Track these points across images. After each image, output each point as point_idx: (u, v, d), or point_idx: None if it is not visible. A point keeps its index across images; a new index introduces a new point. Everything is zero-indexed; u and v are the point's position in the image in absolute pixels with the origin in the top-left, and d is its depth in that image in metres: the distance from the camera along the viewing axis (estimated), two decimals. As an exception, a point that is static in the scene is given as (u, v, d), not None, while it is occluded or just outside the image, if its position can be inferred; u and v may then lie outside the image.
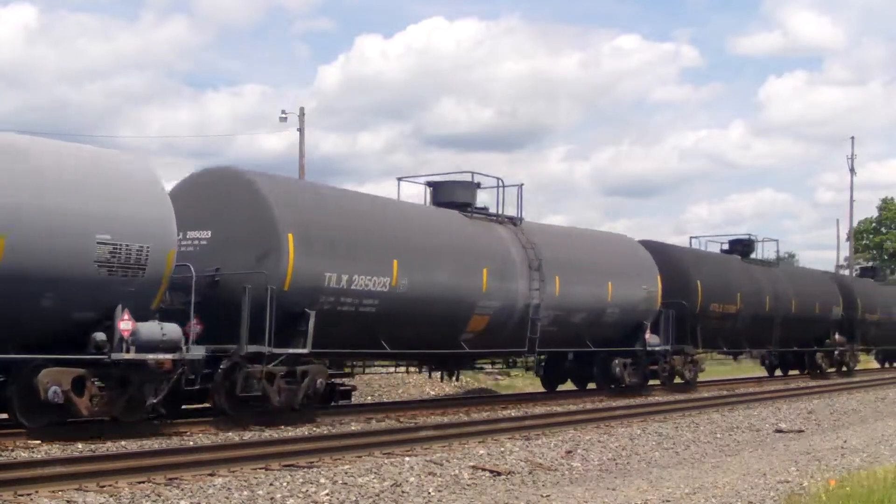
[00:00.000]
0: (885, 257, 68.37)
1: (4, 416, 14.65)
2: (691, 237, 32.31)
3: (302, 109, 43.50)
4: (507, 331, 19.29)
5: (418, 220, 18.32)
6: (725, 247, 31.05)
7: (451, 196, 19.93)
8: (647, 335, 22.93)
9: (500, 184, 20.39)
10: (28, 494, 8.93)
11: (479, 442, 13.85)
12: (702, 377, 27.22)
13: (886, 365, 44.46)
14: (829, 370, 34.54)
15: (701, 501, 9.90)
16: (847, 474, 11.46)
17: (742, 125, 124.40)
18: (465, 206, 19.72)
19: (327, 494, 9.69)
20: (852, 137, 64.96)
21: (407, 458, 11.92)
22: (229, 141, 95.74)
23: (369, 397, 23.01)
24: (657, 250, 25.18)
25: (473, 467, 11.63)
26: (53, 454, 11.33)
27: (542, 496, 10.10)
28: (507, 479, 11.25)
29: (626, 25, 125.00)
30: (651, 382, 24.33)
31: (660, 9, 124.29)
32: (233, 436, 13.75)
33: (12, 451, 11.56)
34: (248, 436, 13.82)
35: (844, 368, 35.58)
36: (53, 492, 9.10)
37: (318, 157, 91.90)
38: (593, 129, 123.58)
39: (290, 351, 14.89)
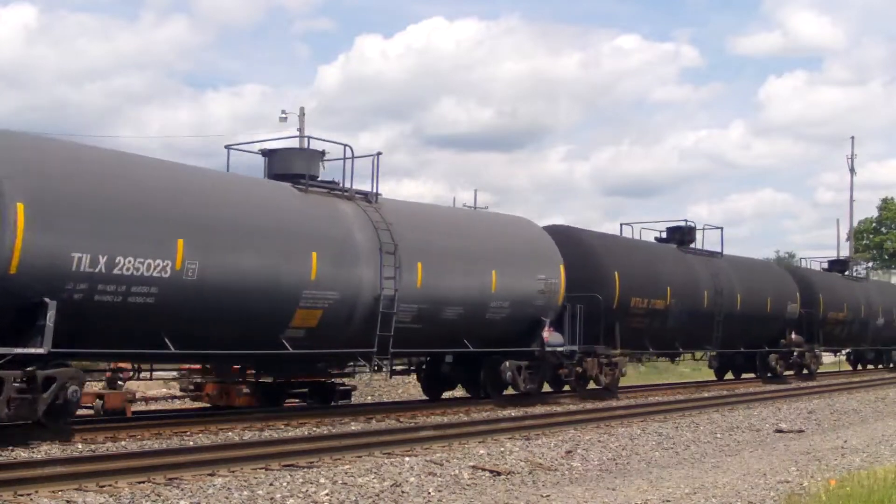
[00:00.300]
0: (886, 257, 68.39)
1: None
2: (622, 223, 27.26)
3: (302, 109, 43.62)
4: (353, 328, 15.96)
5: (220, 192, 14.87)
6: (664, 235, 27.36)
7: (288, 166, 16.67)
8: (547, 333, 19.74)
9: (349, 153, 16.97)
10: (28, 494, 8.93)
11: (479, 442, 13.84)
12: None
13: (859, 367, 41.58)
14: (787, 373, 31.33)
15: (701, 501, 9.90)
16: (847, 474, 11.47)
17: (742, 125, 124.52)
18: (304, 179, 16.28)
19: (327, 494, 9.69)
20: (852, 137, 65.00)
21: (407, 458, 11.92)
22: (229, 141, 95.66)
23: (369, 397, 23.02)
24: (564, 235, 22.11)
25: (473, 467, 11.62)
26: (53, 454, 11.33)
27: (542, 496, 10.10)
28: (507, 479, 11.25)
29: (626, 25, 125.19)
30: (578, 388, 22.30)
31: (660, 9, 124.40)
32: (233, 436, 13.75)
33: (12, 451, 11.55)
34: (247, 436, 13.82)
35: (805, 372, 32.27)
36: (53, 492, 9.10)
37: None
38: (593, 129, 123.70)
39: (19, 351, 11.85)
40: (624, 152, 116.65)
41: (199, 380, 18.09)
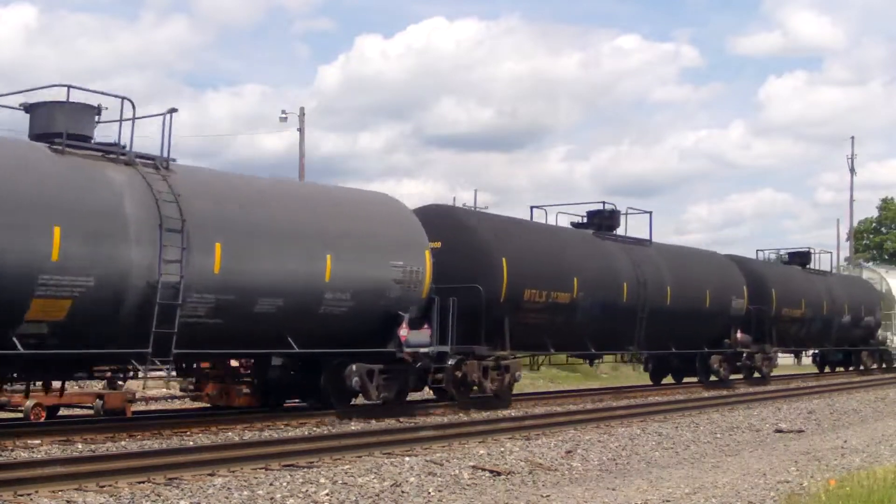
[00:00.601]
0: (886, 257, 68.37)
1: (3, 416, 14.70)
2: (532, 206, 23.50)
3: (302, 109, 43.63)
4: (122, 323, 12.94)
5: None
6: (584, 220, 24.05)
7: (50, 123, 13.43)
8: (405, 331, 16.43)
9: (131, 110, 13.87)
10: (28, 494, 8.93)
11: (479, 442, 13.85)
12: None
13: (827, 370, 38.03)
14: (735, 377, 27.96)
15: (701, 501, 9.90)
16: (847, 474, 11.47)
17: (742, 125, 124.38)
18: (63, 137, 13.04)
19: (327, 494, 9.69)
20: (852, 137, 64.97)
21: (407, 458, 11.92)
22: (229, 141, 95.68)
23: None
24: (442, 216, 19.31)
25: (473, 467, 11.62)
26: (53, 454, 11.33)
27: (542, 496, 10.10)
28: (507, 479, 11.25)
29: (626, 25, 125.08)
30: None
31: (660, 9, 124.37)
32: (233, 436, 13.75)
33: (12, 451, 11.56)
34: (248, 436, 13.82)
35: (757, 375, 28.85)
36: (53, 492, 9.10)
37: (319, 157, 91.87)
38: (593, 129, 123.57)
39: None
40: (624, 152, 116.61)
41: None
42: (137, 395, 18.66)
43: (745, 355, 27.66)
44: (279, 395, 17.34)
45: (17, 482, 9.12)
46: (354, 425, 15.50)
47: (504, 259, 18.95)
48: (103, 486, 9.48)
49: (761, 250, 34.70)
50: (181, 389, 19.32)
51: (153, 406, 19.73)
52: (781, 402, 22.94)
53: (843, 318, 34.41)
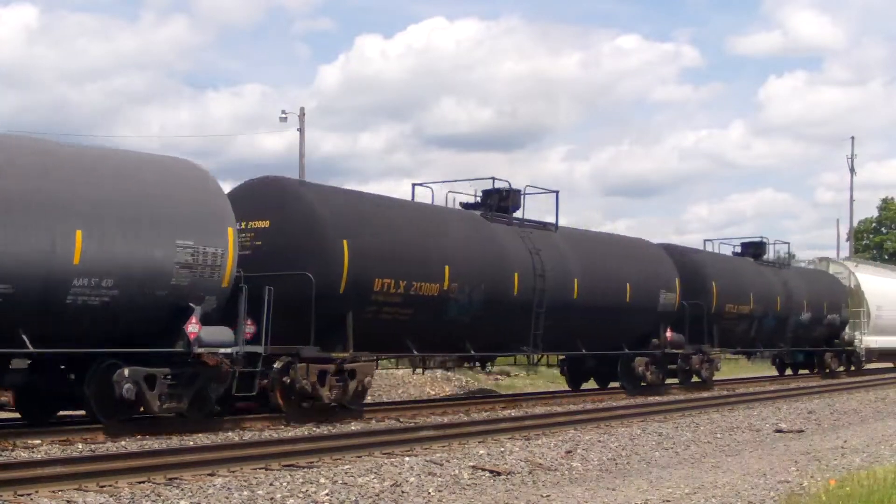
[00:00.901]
0: (886, 257, 68.40)
1: (3, 416, 14.70)
2: (414, 183, 20.91)
3: (302, 109, 43.64)
4: None
5: None
6: (478, 200, 20.81)
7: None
8: (195, 326, 13.40)
9: None
10: (28, 494, 8.93)
11: (479, 442, 13.85)
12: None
13: (788, 372, 34.79)
14: (670, 381, 24.93)
15: (701, 501, 9.91)
16: (847, 474, 11.47)
17: (742, 125, 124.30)
18: None
19: (327, 494, 9.69)
20: (852, 137, 64.99)
21: (407, 458, 11.93)
22: (229, 141, 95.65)
23: (369, 397, 23.01)
24: (271, 187, 16.33)
25: (473, 467, 11.63)
26: (53, 454, 11.33)
27: (542, 496, 10.11)
28: (507, 479, 11.25)
29: (626, 25, 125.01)
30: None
31: (660, 9, 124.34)
32: (233, 436, 13.76)
33: (12, 451, 11.56)
34: (248, 436, 13.82)
35: (696, 379, 25.50)
36: (53, 492, 9.10)
37: (319, 157, 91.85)
38: (593, 129, 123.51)
39: None
40: (624, 152, 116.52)
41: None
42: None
43: (679, 357, 24.48)
44: (44, 405, 14.00)
45: (17, 482, 9.12)
46: (354, 425, 15.51)
47: (345, 241, 15.69)
48: (103, 486, 9.48)
49: (710, 240, 30.38)
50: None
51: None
52: (781, 402, 22.94)
53: (802, 316, 31.21)
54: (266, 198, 16.08)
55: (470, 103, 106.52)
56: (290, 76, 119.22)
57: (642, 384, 23.56)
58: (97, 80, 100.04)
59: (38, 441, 12.19)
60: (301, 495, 9.58)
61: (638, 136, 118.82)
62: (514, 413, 18.30)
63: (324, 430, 14.85)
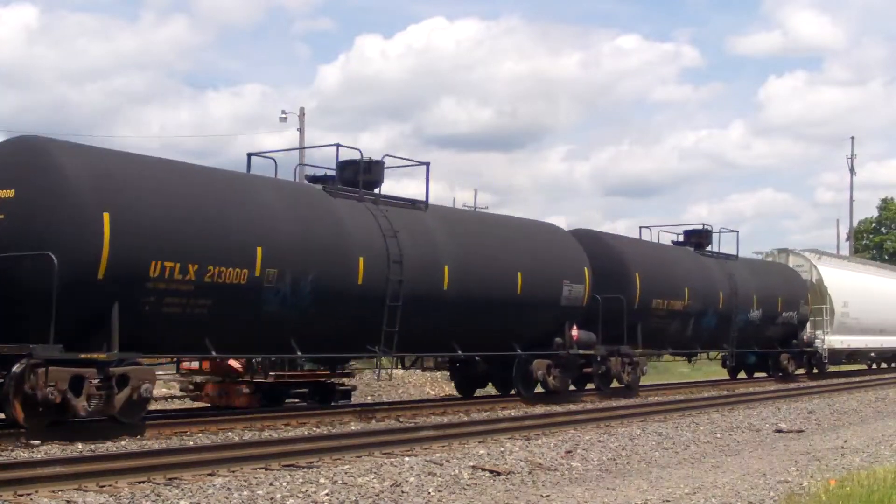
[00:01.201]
0: (886, 257, 68.41)
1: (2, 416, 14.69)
2: (250, 153, 17.54)
3: (302, 109, 43.71)
4: None
5: None
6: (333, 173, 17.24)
7: None
8: None
9: None
10: (28, 494, 8.93)
11: (479, 442, 13.85)
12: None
13: (742, 375, 31.65)
14: (588, 388, 22.50)
15: (701, 501, 9.91)
16: (847, 474, 11.47)
17: (742, 125, 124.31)
18: None
19: (327, 494, 9.69)
20: (852, 137, 65.02)
21: (407, 458, 11.93)
22: (229, 141, 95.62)
23: (369, 397, 23.04)
24: (17, 147, 13.27)
25: (473, 467, 11.63)
26: (53, 454, 11.33)
27: (542, 496, 10.11)
28: (507, 479, 11.25)
29: (626, 25, 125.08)
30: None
31: (660, 9, 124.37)
32: (233, 436, 13.76)
33: (12, 451, 11.56)
34: (247, 436, 13.83)
35: (618, 384, 22.59)
36: (53, 492, 9.10)
37: (319, 158, 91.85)
38: (593, 129, 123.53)
39: None
40: (624, 152, 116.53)
41: (198, 380, 18.10)
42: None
43: (593, 360, 21.45)
44: None
45: (17, 482, 9.11)
46: (354, 425, 15.51)
47: (107, 214, 12.61)
48: (103, 486, 9.48)
49: (647, 227, 26.68)
50: (181, 389, 19.35)
51: (153, 406, 19.73)
52: (781, 402, 22.93)
53: (751, 314, 27.79)
54: (12, 162, 12.99)
55: (470, 103, 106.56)
56: (290, 76, 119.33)
57: (546, 390, 20.26)
58: (97, 80, 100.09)
59: (38, 441, 12.18)
60: (301, 495, 9.58)
61: (638, 136, 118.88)
62: (513, 413, 18.29)
63: (324, 430, 14.85)
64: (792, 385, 24.98)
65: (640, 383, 23.75)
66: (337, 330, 15.89)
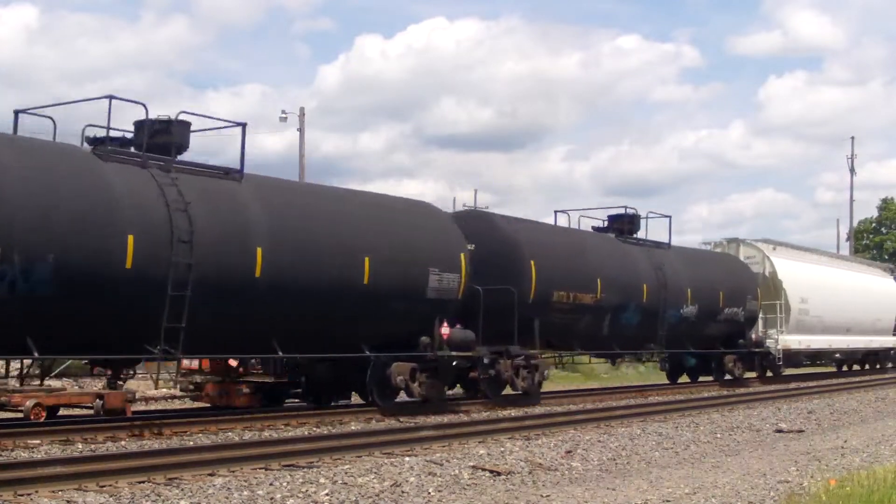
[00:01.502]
0: (885, 257, 68.42)
1: (3, 416, 14.71)
2: (18, 113, 14.26)
3: (302, 109, 43.64)
4: None
5: None
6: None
7: None
8: None
9: None
10: (28, 494, 8.93)
11: (479, 442, 13.85)
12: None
13: (685, 378, 28.22)
14: (471, 396, 19.16)
15: (701, 501, 9.91)
16: (847, 474, 11.47)
17: (742, 125, 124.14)
18: None
19: (327, 494, 9.69)
20: (852, 137, 64.90)
21: (407, 458, 11.93)
22: (229, 141, 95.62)
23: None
24: None
25: (473, 467, 11.63)
26: (53, 454, 11.33)
27: (542, 496, 10.11)
28: (507, 479, 11.25)
29: (626, 25, 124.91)
30: None
31: (660, 9, 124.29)
32: (233, 436, 13.76)
33: (12, 451, 11.56)
34: (247, 436, 13.82)
35: (514, 391, 19.35)
36: (53, 492, 9.10)
37: (319, 157, 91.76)
38: (593, 129, 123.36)
39: None
40: (624, 152, 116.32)
41: (199, 380, 18.09)
42: (137, 395, 18.65)
43: (486, 362, 18.29)
44: None
45: (17, 482, 9.12)
46: (354, 425, 15.51)
47: None
48: (103, 486, 9.48)
49: (563, 211, 23.64)
50: (181, 389, 19.33)
51: (153, 406, 19.73)
52: (781, 402, 22.94)
53: (685, 310, 24.43)
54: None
55: (470, 103, 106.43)
56: (290, 76, 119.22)
57: (412, 399, 17.31)
58: (97, 80, 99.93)
59: (37, 441, 12.19)
60: (301, 495, 9.58)
61: (638, 136, 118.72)
62: (513, 413, 18.28)
63: (324, 430, 14.85)
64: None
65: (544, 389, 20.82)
66: (96, 325, 12.97)
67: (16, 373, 15.49)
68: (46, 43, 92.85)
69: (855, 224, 67.04)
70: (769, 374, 29.64)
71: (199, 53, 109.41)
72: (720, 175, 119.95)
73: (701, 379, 27.93)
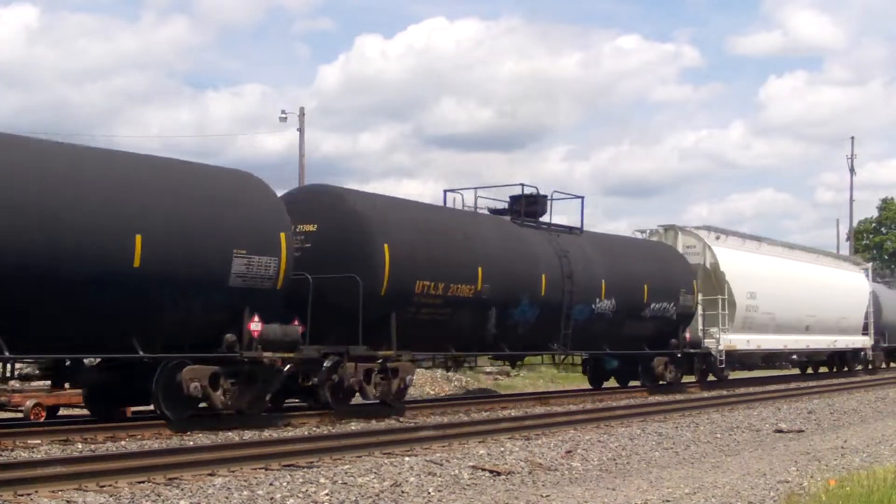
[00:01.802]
0: (885, 257, 68.43)
1: (3, 416, 14.71)
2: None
3: (302, 109, 43.64)
4: None
5: None
6: None
7: None
8: None
9: None
10: (28, 494, 8.93)
11: (479, 442, 13.85)
12: None
13: (605, 384, 25.11)
14: (315, 407, 15.85)
15: (701, 501, 9.91)
16: (847, 474, 11.47)
17: (742, 125, 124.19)
18: None
19: (327, 494, 9.69)
20: (852, 137, 64.79)
21: (407, 458, 11.93)
22: (230, 141, 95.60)
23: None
24: None
25: (473, 467, 11.63)
26: (53, 454, 11.33)
27: (542, 496, 10.11)
28: (507, 479, 11.25)
29: (626, 25, 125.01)
30: None
31: (660, 9, 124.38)
32: (233, 436, 13.75)
33: (12, 451, 11.56)
34: (247, 436, 13.82)
35: (366, 401, 16.61)
36: (53, 492, 9.10)
37: (319, 157, 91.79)
38: (593, 129, 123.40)
39: None
40: (624, 152, 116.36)
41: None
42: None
43: (330, 366, 15.40)
44: None
45: (17, 482, 9.12)
46: (354, 425, 15.51)
47: None
48: (103, 486, 9.49)
49: (452, 190, 20.66)
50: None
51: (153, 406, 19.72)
52: (781, 402, 22.95)
53: (598, 305, 21.10)
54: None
55: (470, 103, 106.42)
56: (290, 76, 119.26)
57: (208, 408, 14.11)
58: (97, 80, 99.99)
59: (38, 441, 12.19)
60: (301, 495, 9.58)
61: (638, 136, 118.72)
62: (514, 413, 18.28)
63: (324, 430, 14.85)
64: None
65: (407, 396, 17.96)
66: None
67: (16, 373, 15.53)
68: (46, 43, 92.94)
69: (855, 224, 67.07)
70: (711, 378, 26.65)
71: (200, 53, 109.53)
72: (720, 175, 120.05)
73: (632, 384, 24.61)
